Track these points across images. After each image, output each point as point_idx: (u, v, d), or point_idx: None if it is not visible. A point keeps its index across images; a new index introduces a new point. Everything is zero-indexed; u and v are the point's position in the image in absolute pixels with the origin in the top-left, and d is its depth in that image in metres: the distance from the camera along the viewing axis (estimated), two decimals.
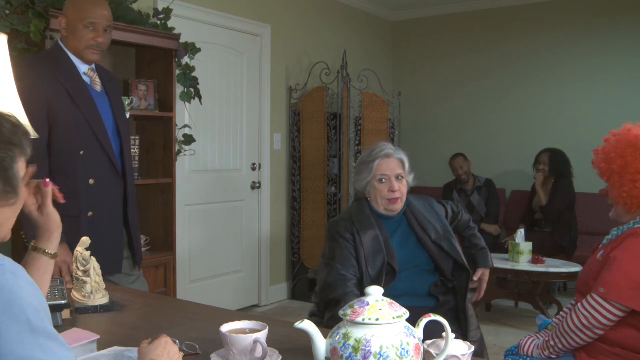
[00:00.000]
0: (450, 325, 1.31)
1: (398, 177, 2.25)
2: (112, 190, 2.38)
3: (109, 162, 2.34)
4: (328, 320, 2.13)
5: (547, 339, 1.93)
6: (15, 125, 1.00)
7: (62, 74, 2.26)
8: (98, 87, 2.37)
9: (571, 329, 1.82)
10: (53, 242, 1.42)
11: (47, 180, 1.43)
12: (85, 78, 2.33)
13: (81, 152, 2.26)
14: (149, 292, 2.20)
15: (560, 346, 1.87)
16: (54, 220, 1.43)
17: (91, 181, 2.29)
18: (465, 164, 5.52)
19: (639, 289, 1.72)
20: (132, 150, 3.33)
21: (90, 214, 2.30)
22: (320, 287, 2.25)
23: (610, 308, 1.75)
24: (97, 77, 2.38)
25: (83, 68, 2.33)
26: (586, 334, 1.80)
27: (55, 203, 2.18)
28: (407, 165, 2.29)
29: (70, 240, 2.16)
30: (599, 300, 1.77)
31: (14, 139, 0.99)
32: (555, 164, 5.08)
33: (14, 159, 0.99)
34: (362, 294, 1.81)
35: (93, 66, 2.37)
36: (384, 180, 2.25)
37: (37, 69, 2.23)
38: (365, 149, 2.39)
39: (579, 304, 1.83)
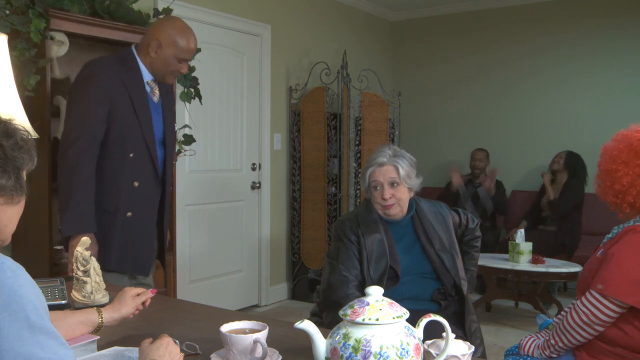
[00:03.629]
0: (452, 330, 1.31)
1: (393, 184, 2.24)
2: (152, 194, 2.47)
3: (153, 169, 2.43)
4: (328, 323, 2.15)
5: (547, 338, 1.93)
6: (25, 138, 1.08)
7: (129, 78, 2.36)
8: (156, 98, 2.47)
9: (571, 326, 1.83)
10: (111, 316, 1.53)
11: (155, 290, 1.71)
12: (146, 87, 2.42)
13: (131, 155, 2.35)
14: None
15: (560, 344, 1.87)
16: (128, 312, 1.56)
17: (135, 183, 2.39)
18: (485, 160, 5.60)
19: (637, 284, 1.73)
20: None
21: (129, 214, 2.38)
22: (323, 287, 2.29)
23: (609, 304, 1.75)
24: (157, 88, 2.47)
25: (147, 77, 2.42)
26: (586, 330, 1.80)
27: (100, 197, 2.30)
28: (402, 170, 2.25)
29: (105, 235, 2.30)
30: (597, 297, 1.77)
31: (25, 147, 1.07)
32: (571, 162, 5.12)
33: (24, 163, 1.07)
34: (363, 295, 1.80)
35: (154, 78, 2.46)
36: (378, 187, 2.26)
37: (107, 70, 2.33)
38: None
39: (578, 301, 1.84)
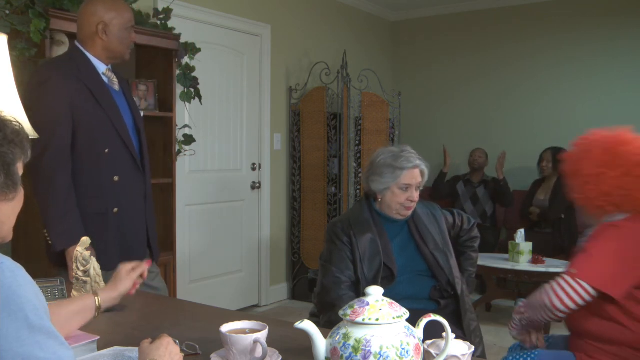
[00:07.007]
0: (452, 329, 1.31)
1: (417, 187, 2.29)
2: (135, 186, 2.43)
3: (131, 159, 2.39)
4: (324, 323, 2.15)
5: (523, 305, 1.94)
6: (16, 130, 1.04)
7: (84, 74, 2.30)
8: (116, 86, 2.41)
9: (537, 305, 1.83)
10: (109, 296, 1.51)
11: (150, 261, 1.66)
12: (104, 78, 2.37)
13: (106, 150, 2.30)
14: (151, 293, 2.20)
15: (526, 316, 1.90)
16: (126, 288, 1.55)
17: (116, 178, 2.34)
18: (484, 158, 5.56)
19: (610, 274, 1.73)
20: None
21: (115, 210, 2.35)
22: (318, 289, 2.31)
23: (578, 288, 1.74)
24: (115, 76, 2.42)
25: (102, 68, 2.37)
26: (546, 312, 1.80)
27: (83, 200, 2.23)
28: (427, 175, 2.33)
29: (97, 237, 2.21)
30: (568, 279, 1.76)
31: (16, 140, 1.03)
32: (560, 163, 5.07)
33: (15, 157, 1.02)
34: (358, 295, 1.80)
35: (110, 66, 2.41)
36: (407, 189, 2.26)
37: (61, 71, 2.27)
38: (384, 150, 2.36)
39: (547, 284, 1.83)
